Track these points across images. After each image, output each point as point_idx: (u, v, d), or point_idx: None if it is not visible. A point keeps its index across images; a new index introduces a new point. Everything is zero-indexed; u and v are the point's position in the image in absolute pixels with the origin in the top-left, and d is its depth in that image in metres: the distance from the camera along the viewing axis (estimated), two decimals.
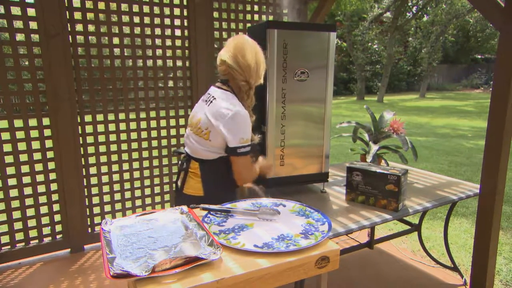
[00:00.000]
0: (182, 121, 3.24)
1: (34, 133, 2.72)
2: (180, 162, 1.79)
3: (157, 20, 3.03)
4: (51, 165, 2.82)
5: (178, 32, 3.14)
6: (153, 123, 3.16)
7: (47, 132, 2.76)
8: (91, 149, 2.95)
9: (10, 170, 2.68)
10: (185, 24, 3.15)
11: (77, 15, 2.75)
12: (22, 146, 2.69)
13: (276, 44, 1.88)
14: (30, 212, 2.81)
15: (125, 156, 3.09)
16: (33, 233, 2.86)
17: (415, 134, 8.89)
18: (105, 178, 3.05)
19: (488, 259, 2.25)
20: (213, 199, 1.57)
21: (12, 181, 2.70)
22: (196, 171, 1.67)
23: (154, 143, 3.19)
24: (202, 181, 1.66)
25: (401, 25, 18.41)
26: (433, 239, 3.26)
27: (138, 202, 3.22)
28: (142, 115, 3.11)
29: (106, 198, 3.08)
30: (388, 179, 1.86)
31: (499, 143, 2.09)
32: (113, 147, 3.04)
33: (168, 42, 3.12)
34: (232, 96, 1.62)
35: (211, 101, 1.62)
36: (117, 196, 3.13)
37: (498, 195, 2.17)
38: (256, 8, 3.45)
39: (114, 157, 3.05)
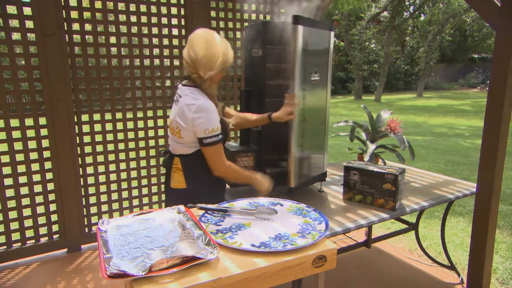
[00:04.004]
0: None
1: (30, 133, 2.71)
2: (164, 160, 1.88)
3: (154, 19, 3.02)
4: (48, 165, 2.81)
5: (175, 31, 3.14)
6: (151, 122, 3.15)
7: (44, 132, 2.75)
8: (88, 149, 2.94)
9: (6, 170, 2.67)
10: (182, 23, 3.15)
11: (74, 14, 2.74)
12: (18, 145, 2.67)
13: (300, 43, 1.74)
14: (27, 212, 2.79)
15: (122, 156, 3.08)
16: (29, 233, 2.85)
17: (412, 133, 8.91)
18: (102, 178, 3.04)
19: (484, 257, 2.26)
20: (196, 191, 1.70)
21: (8, 181, 2.68)
22: (178, 166, 1.75)
23: (152, 142, 3.19)
24: (184, 174, 1.73)
25: (398, 25, 18.45)
26: (430, 238, 3.27)
27: (136, 202, 3.21)
28: (140, 114, 3.10)
29: (103, 197, 3.07)
30: (385, 178, 1.87)
31: (496, 142, 2.09)
32: (110, 147, 3.03)
33: (165, 42, 3.12)
34: (197, 91, 1.66)
35: (178, 100, 1.68)
36: (114, 196, 3.12)
37: (494, 194, 2.18)
38: (253, 7, 3.45)
39: (111, 157, 3.04)
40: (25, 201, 2.78)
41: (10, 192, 2.71)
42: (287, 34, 1.88)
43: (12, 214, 2.75)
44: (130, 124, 3.07)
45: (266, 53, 1.93)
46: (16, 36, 2.68)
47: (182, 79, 1.77)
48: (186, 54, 1.65)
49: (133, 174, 3.15)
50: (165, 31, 3.09)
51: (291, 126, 1.81)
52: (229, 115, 1.92)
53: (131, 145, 3.10)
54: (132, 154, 3.13)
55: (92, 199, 3.03)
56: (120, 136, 3.04)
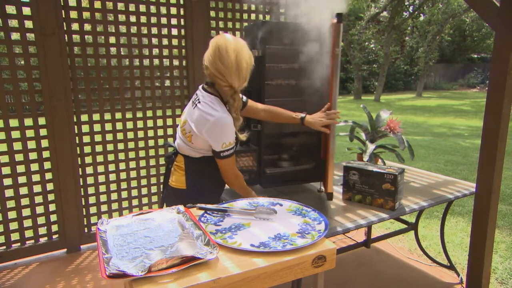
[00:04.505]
0: (178, 120, 3.22)
1: (30, 133, 2.71)
2: (167, 155, 1.84)
3: (153, 19, 3.02)
4: (47, 165, 2.81)
5: (174, 31, 3.14)
6: (150, 123, 3.15)
7: (43, 132, 2.75)
8: (87, 149, 2.94)
9: (6, 170, 2.67)
10: (182, 23, 3.14)
11: (73, 14, 2.74)
12: (17, 145, 2.67)
13: (340, 42, 1.66)
14: (26, 212, 2.79)
15: (121, 156, 3.08)
16: (29, 233, 2.85)
17: (411, 133, 8.91)
18: (101, 178, 3.04)
19: (484, 257, 2.26)
20: (195, 193, 1.67)
21: (7, 181, 2.68)
22: (181, 165, 1.72)
23: (151, 142, 3.19)
24: (185, 175, 1.71)
25: (398, 25, 18.45)
26: (430, 238, 3.28)
27: (135, 202, 3.21)
28: (139, 114, 3.10)
29: (103, 197, 3.07)
30: (384, 178, 1.87)
31: (495, 142, 2.10)
32: (110, 147, 3.03)
33: (165, 41, 3.12)
34: (217, 101, 1.60)
35: (196, 105, 1.62)
36: (114, 196, 3.12)
37: (494, 194, 2.18)
38: (253, 7, 3.45)
39: (111, 157, 3.04)
40: (25, 201, 2.78)
41: (9, 192, 2.70)
42: (287, 34, 1.89)
43: (12, 214, 2.75)
44: (129, 124, 3.06)
45: (266, 53, 1.93)
46: (15, 36, 2.68)
47: (204, 82, 1.69)
48: (211, 64, 1.55)
49: (133, 174, 3.15)
50: (164, 31, 3.09)
51: (331, 133, 1.81)
52: (255, 110, 1.87)
53: (131, 145, 3.10)
54: (132, 154, 3.13)
55: (92, 199, 3.02)
56: (120, 136, 3.04)
